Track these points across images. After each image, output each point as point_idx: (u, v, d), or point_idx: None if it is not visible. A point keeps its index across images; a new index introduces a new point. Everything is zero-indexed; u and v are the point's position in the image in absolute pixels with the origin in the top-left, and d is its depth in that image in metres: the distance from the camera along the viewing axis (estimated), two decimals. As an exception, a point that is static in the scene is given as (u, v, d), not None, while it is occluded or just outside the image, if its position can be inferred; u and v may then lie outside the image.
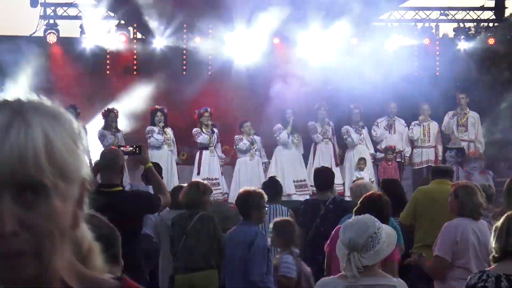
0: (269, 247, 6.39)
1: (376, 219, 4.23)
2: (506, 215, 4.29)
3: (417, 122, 15.14)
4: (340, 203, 8.03)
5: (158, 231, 8.61)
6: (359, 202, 5.87)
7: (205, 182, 8.69)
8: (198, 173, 14.29)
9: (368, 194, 5.92)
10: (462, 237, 6.15)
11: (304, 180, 14.63)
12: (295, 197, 14.18)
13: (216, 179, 14.25)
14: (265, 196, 6.59)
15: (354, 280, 4.01)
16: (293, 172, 14.58)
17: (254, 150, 14.51)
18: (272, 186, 8.55)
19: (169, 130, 14.62)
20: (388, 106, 15.29)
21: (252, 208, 6.44)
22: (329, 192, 8.15)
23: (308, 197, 13.86)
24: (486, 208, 6.40)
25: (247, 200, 6.51)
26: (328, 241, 5.99)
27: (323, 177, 8.38)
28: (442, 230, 6.30)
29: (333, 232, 5.98)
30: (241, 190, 6.97)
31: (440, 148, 15.26)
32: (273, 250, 6.87)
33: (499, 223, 4.22)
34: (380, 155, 15.16)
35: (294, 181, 14.54)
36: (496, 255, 4.15)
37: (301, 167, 14.77)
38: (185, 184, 8.39)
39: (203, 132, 14.45)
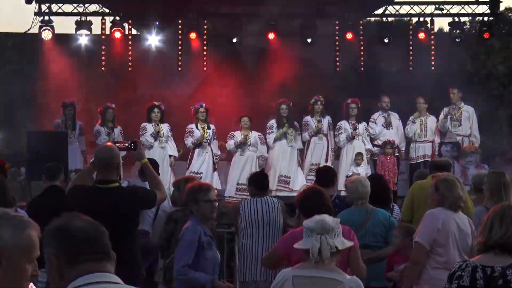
0: (204, 241, 6.14)
1: None
2: (491, 210, 4.33)
3: (412, 119, 15.14)
4: (344, 199, 8.06)
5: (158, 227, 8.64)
6: (302, 198, 5.91)
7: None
8: (188, 168, 14.36)
9: (305, 190, 6.06)
10: (444, 225, 6.20)
11: (288, 177, 14.60)
12: (274, 193, 14.15)
13: (200, 173, 14.16)
14: (206, 190, 6.25)
15: (303, 271, 4.23)
16: (280, 168, 14.59)
17: (247, 145, 14.51)
18: (260, 179, 8.54)
19: (165, 126, 14.61)
20: (381, 101, 15.28)
21: (189, 202, 6.28)
22: (332, 188, 8.20)
23: (292, 193, 13.95)
24: (465, 199, 6.43)
25: (185, 194, 6.34)
26: (281, 242, 5.90)
27: (326, 173, 8.47)
28: (424, 218, 6.35)
29: (287, 234, 5.95)
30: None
31: (437, 142, 15.25)
32: None
33: (485, 218, 4.27)
34: (377, 150, 15.17)
35: (279, 176, 14.54)
36: (480, 248, 4.21)
37: (291, 162, 14.71)
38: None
39: (197, 128, 14.46)
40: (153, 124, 14.46)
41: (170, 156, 14.57)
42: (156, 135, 14.34)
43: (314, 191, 6.03)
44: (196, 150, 14.44)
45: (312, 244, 4.22)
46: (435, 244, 6.23)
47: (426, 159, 14.73)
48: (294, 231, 5.80)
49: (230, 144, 14.51)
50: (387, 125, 15.19)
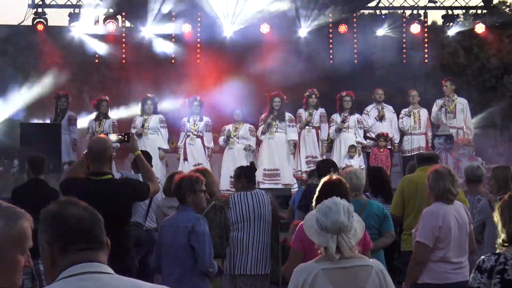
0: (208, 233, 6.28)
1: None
2: (501, 202, 4.36)
3: (406, 112, 15.15)
4: None
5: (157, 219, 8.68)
6: (318, 188, 5.60)
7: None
8: (185, 160, 14.32)
9: (326, 179, 5.71)
10: (444, 222, 6.19)
11: (277, 170, 14.54)
12: (263, 186, 14.06)
13: (200, 164, 14.18)
14: (201, 180, 6.33)
15: (331, 264, 3.98)
16: (266, 161, 14.54)
17: (235, 137, 14.49)
18: (250, 172, 8.55)
19: (156, 118, 14.57)
20: (375, 93, 15.30)
21: (187, 192, 6.30)
22: None
23: (280, 186, 13.98)
24: (456, 192, 6.36)
25: (180, 184, 6.33)
26: (296, 239, 5.51)
27: (326, 164, 8.55)
28: (423, 216, 6.31)
29: (298, 227, 5.69)
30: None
31: (430, 135, 15.27)
32: None
33: (500, 209, 4.30)
34: (369, 142, 15.18)
35: (264, 170, 14.46)
36: (504, 241, 4.22)
37: (275, 155, 14.62)
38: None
39: (188, 121, 14.45)
40: (143, 116, 14.44)
41: (159, 148, 14.50)
42: (140, 134, 14.23)
43: (331, 183, 5.80)
44: (189, 144, 14.40)
45: (329, 245, 3.99)
46: (437, 241, 6.21)
47: (421, 151, 14.73)
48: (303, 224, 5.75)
49: (221, 140, 14.51)
50: (380, 118, 15.21)
